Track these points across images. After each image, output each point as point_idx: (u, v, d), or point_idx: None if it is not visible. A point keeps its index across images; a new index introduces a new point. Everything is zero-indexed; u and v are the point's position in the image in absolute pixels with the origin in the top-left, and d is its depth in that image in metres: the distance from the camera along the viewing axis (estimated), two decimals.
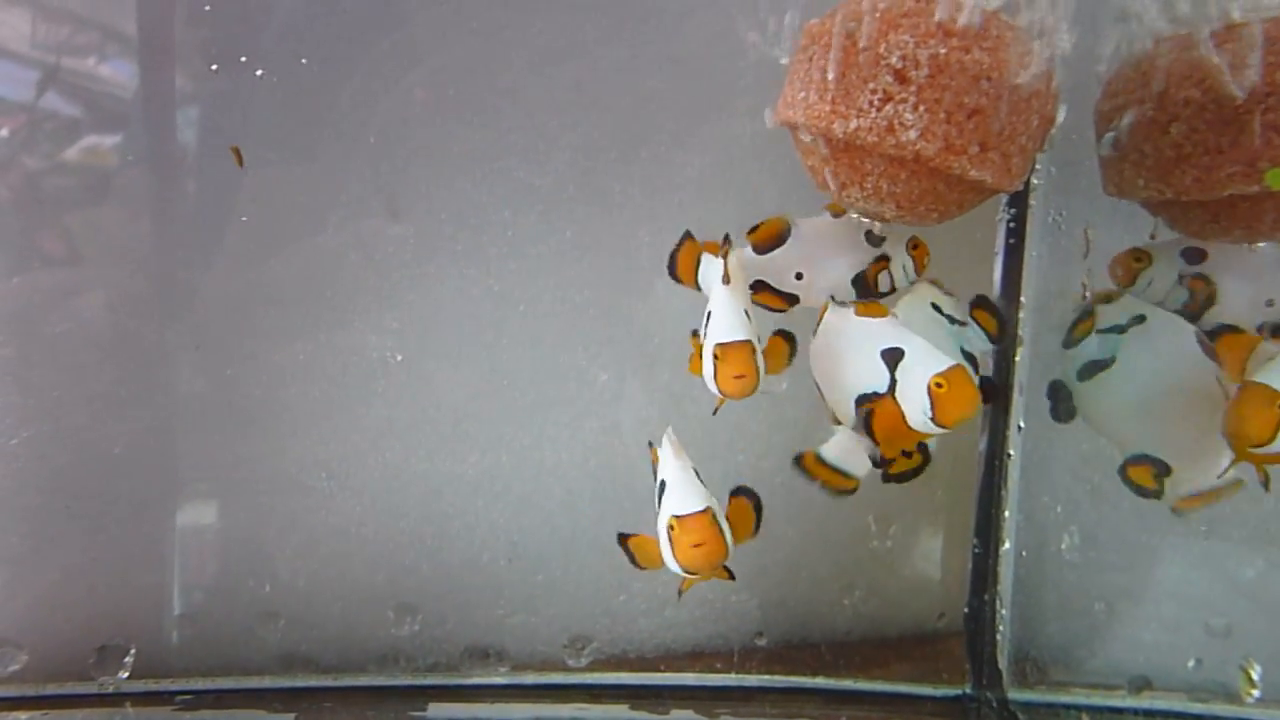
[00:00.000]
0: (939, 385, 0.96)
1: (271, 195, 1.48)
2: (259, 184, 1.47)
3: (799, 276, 1.14)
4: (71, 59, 1.40)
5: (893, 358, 1.00)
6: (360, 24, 1.43)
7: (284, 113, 1.44)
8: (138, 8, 1.41)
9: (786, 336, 1.10)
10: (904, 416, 0.99)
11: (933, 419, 0.96)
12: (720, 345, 1.00)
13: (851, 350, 1.06)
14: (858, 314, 1.07)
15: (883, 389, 1.01)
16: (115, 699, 1.46)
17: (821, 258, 1.14)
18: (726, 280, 1.04)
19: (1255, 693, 1.36)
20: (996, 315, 1.14)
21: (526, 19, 1.45)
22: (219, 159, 1.44)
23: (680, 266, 1.19)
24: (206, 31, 1.42)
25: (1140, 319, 1.15)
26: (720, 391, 1.02)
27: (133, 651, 1.48)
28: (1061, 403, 1.23)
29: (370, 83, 1.45)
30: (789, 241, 1.14)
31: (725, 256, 1.07)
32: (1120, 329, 1.16)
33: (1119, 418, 1.16)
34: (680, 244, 1.19)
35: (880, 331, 1.04)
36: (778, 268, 1.15)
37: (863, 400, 1.03)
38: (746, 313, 1.03)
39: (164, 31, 1.41)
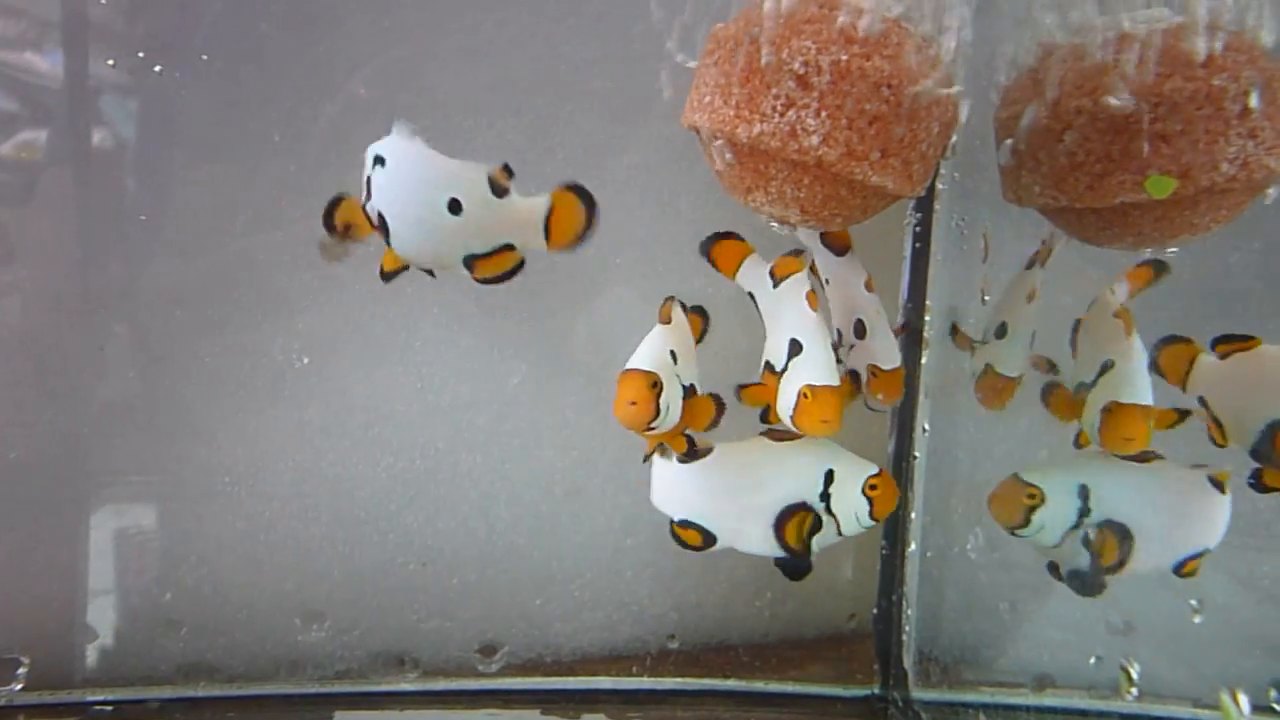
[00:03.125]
0: (804, 396, 0.99)
1: (177, 195, 1.44)
2: (164, 184, 1.43)
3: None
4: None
5: (793, 349, 1.04)
6: (270, 22, 1.41)
7: (188, 111, 1.41)
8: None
9: (717, 400, 1.11)
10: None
11: (792, 419, 1.00)
12: (621, 372, 1.00)
13: (772, 319, 1.09)
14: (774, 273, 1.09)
15: (779, 368, 1.05)
16: (8, 712, 1.41)
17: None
18: (666, 320, 1.06)
19: (1134, 690, 1.40)
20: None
21: (441, 19, 1.44)
22: (123, 158, 1.40)
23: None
24: (109, 25, 1.38)
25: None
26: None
27: (27, 663, 1.43)
28: None
29: (280, 82, 1.42)
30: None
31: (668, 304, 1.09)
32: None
33: None
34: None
35: (798, 320, 1.05)
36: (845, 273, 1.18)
37: (766, 369, 1.08)
38: (673, 353, 1.03)
39: (76, 25, 1.38)
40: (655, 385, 0.97)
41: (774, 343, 1.08)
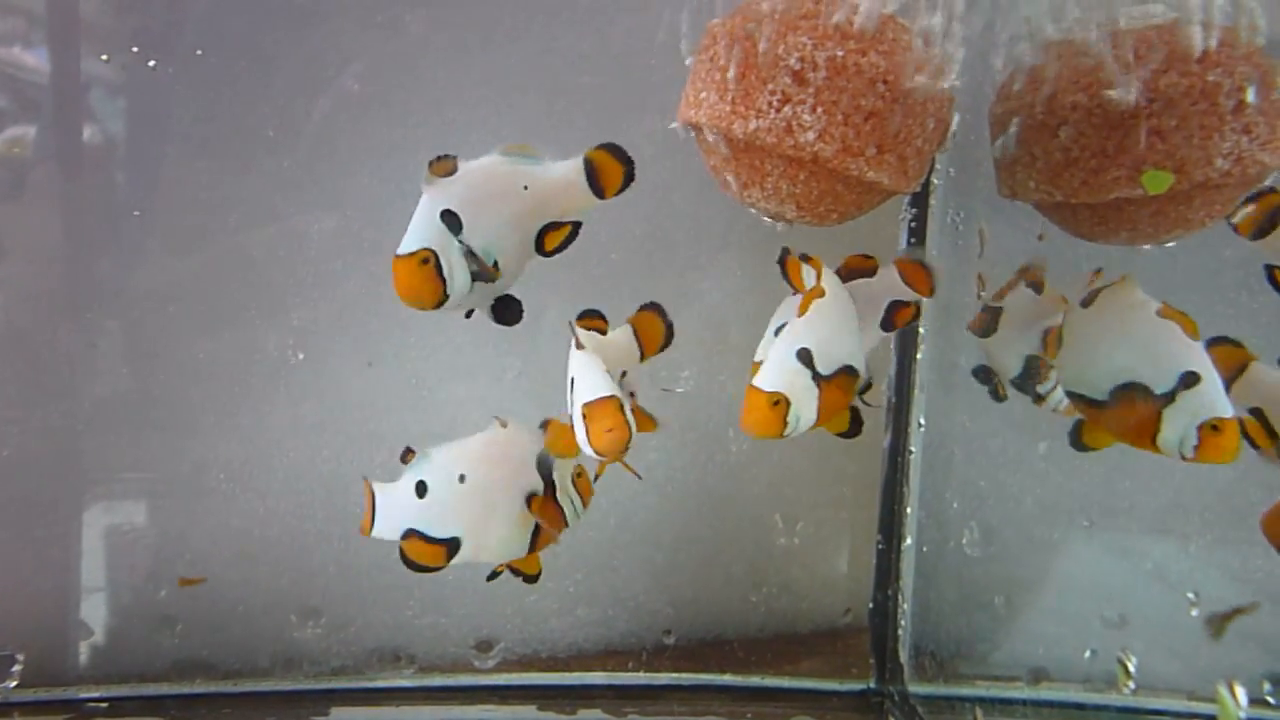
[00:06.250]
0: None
1: (170, 191, 1.44)
2: (156, 179, 1.43)
3: None
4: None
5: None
6: (263, 16, 1.40)
7: (182, 106, 1.41)
8: None
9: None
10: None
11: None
12: (586, 404, 0.98)
13: None
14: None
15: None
16: (3, 709, 1.41)
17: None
18: (580, 346, 1.04)
19: (1131, 684, 1.40)
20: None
21: (435, 12, 1.43)
22: (115, 154, 1.40)
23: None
24: (102, 20, 1.38)
25: None
26: (594, 451, 0.99)
27: (21, 660, 1.43)
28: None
29: (273, 76, 1.42)
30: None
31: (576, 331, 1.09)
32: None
33: None
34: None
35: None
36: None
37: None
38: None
39: (68, 20, 1.37)
40: (622, 408, 0.97)
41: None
